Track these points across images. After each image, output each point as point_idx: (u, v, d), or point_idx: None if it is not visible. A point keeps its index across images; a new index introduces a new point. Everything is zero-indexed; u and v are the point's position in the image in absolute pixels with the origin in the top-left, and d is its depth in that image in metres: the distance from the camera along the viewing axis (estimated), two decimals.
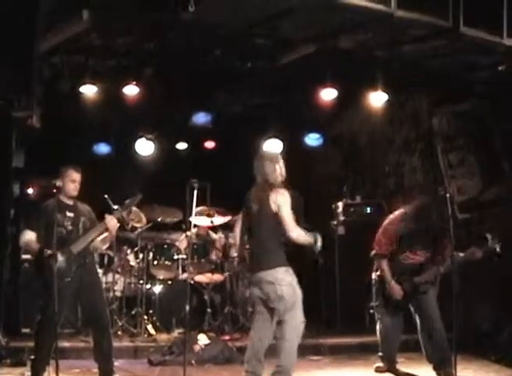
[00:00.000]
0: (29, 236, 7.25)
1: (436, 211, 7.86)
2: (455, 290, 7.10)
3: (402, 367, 8.21)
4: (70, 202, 7.48)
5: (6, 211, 7.58)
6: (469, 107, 10.14)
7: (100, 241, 7.54)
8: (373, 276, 8.17)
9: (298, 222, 12.48)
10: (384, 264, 7.95)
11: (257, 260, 7.04)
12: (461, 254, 7.66)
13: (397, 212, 8.09)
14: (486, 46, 8.53)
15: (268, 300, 6.88)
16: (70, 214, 7.40)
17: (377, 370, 8.24)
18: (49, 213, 7.19)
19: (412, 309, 7.88)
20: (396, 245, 7.91)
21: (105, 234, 7.49)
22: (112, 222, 7.40)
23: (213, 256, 11.04)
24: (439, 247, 7.84)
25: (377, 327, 8.19)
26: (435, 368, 7.63)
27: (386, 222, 8.09)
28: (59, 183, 7.28)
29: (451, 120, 10.50)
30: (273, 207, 6.95)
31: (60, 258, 7.10)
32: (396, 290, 7.83)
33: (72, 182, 7.40)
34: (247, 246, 7.36)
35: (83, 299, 7.49)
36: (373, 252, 8.07)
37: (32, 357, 7.29)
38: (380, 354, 8.24)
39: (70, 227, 7.36)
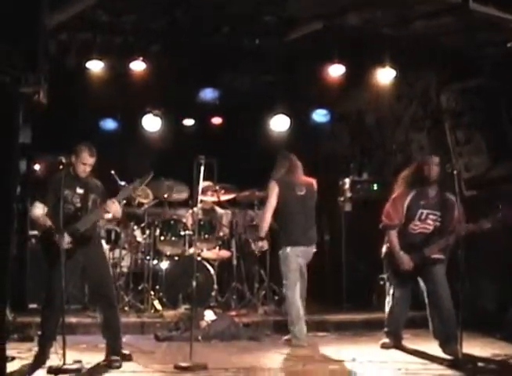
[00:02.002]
0: (41, 210, 7.24)
1: (435, 173, 7.91)
2: (461, 268, 7.12)
3: (408, 343, 8.24)
4: (82, 177, 7.43)
5: (13, 188, 7.58)
6: (477, 84, 10.07)
7: (106, 220, 7.59)
8: (384, 248, 8.18)
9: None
10: (393, 235, 7.97)
11: (310, 235, 8.95)
12: (469, 225, 7.65)
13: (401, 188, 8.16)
14: (495, 23, 8.48)
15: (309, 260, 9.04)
16: (79, 190, 7.40)
17: (383, 346, 8.27)
18: (58, 188, 7.15)
19: (421, 284, 7.88)
20: (404, 217, 7.93)
21: (110, 215, 7.52)
22: (113, 207, 7.37)
23: (220, 232, 11.05)
24: (448, 216, 7.87)
25: (386, 299, 8.21)
26: (441, 345, 7.64)
27: (394, 194, 8.15)
28: (72, 159, 7.33)
29: (459, 97, 10.44)
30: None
31: (67, 237, 7.13)
32: (406, 260, 7.83)
33: (83, 164, 7.35)
34: (291, 222, 8.86)
35: (89, 275, 7.51)
36: (382, 224, 8.08)
37: (39, 333, 7.33)
38: (386, 329, 8.27)
39: (78, 204, 7.37)
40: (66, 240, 7.13)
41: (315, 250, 9.09)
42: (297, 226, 8.84)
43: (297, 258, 8.83)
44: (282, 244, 8.95)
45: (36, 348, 7.23)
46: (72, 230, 7.19)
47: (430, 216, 7.92)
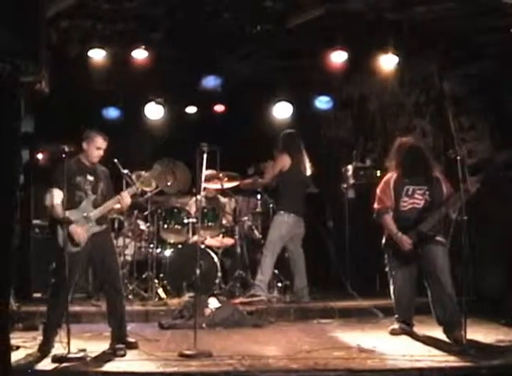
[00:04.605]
0: (58, 198, 7.19)
1: (419, 148, 8.03)
2: (465, 253, 7.10)
3: (414, 330, 8.21)
4: (91, 165, 7.54)
5: (15, 177, 7.60)
6: (480, 70, 10.05)
7: (113, 210, 7.67)
8: (383, 239, 8.17)
9: (308, 184, 12.64)
10: (388, 219, 7.97)
11: (302, 207, 10.37)
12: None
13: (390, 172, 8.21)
14: (498, 8, 8.44)
15: (301, 235, 10.39)
16: (90, 177, 7.47)
17: (392, 332, 8.22)
18: (70, 175, 7.26)
19: (423, 267, 7.84)
20: (394, 199, 7.96)
21: (119, 205, 7.57)
22: (126, 199, 7.56)
23: (223, 220, 11.05)
24: (437, 192, 7.89)
25: (391, 287, 8.17)
26: (445, 331, 7.63)
27: (381, 182, 8.21)
28: (84, 146, 7.44)
29: (462, 83, 10.42)
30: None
31: (83, 232, 7.22)
32: (404, 240, 7.80)
33: (97, 149, 7.48)
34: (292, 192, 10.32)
35: (97, 263, 7.52)
36: (375, 211, 8.09)
37: (44, 321, 7.34)
38: (396, 316, 8.25)
39: (89, 192, 7.43)
40: (80, 232, 7.22)
41: (303, 224, 10.41)
42: (297, 197, 10.31)
43: (289, 226, 10.19)
44: (280, 209, 10.30)
45: (41, 337, 7.24)
46: (84, 220, 7.27)
47: (417, 191, 7.92)
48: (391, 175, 8.11)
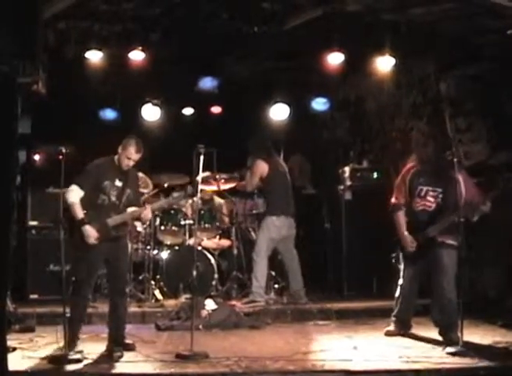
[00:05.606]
0: (77, 196, 7.20)
1: (435, 147, 7.86)
2: (462, 254, 7.09)
3: (411, 331, 8.22)
4: (123, 169, 7.49)
5: (12, 178, 7.61)
6: (477, 71, 10.05)
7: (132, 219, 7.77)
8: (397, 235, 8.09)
9: (304, 186, 12.58)
10: (401, 216, 7.93)
11: (291, 207, 10.29)
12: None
13: (408, 164, 8.10)
14: (495, 9, 8.44)
15: (292, 236, 10.30)
16: (118, 183, 7.43)
17: (387, 333, 8.23)
18: (99, 176, 7.29)
19: (428, 268, 7.79)
20: (408, 196, 7.91)
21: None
22: (149, 215, 7.63)
23: (220, 221, 11.04)
24: (452, 193, 7.62)
25: (399, 282, 8.14)
26: (441, 333, 7.60)
27: (402, 171, 8.13)
28: (118, 150, 7.42)
29: (459, 84, 10.41)
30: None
31: (94, 232, 7.21)
32: (408, 241, 7.78)
33: (127, 158, 7.40)
34: (276, 194, 10.22)
35: (109, 265, 7.54)
36: (391, 205, 8.04)
37: (68, 317, 7.29)
38: (394, 314, 8.22)
39: (113, 198, 7.40)
40: (93, 235, 7.19)
41: (295, 224, 10.32)
42: (284, 199, 10.24)
43: (279, 229, 10.10)
44: (267, 213, 10.22)
45: (37, 339, 7.24)
46: (101, 225, 7.27)
47: (430, 193, 7.80)
48: (411, 167, 7.98)
